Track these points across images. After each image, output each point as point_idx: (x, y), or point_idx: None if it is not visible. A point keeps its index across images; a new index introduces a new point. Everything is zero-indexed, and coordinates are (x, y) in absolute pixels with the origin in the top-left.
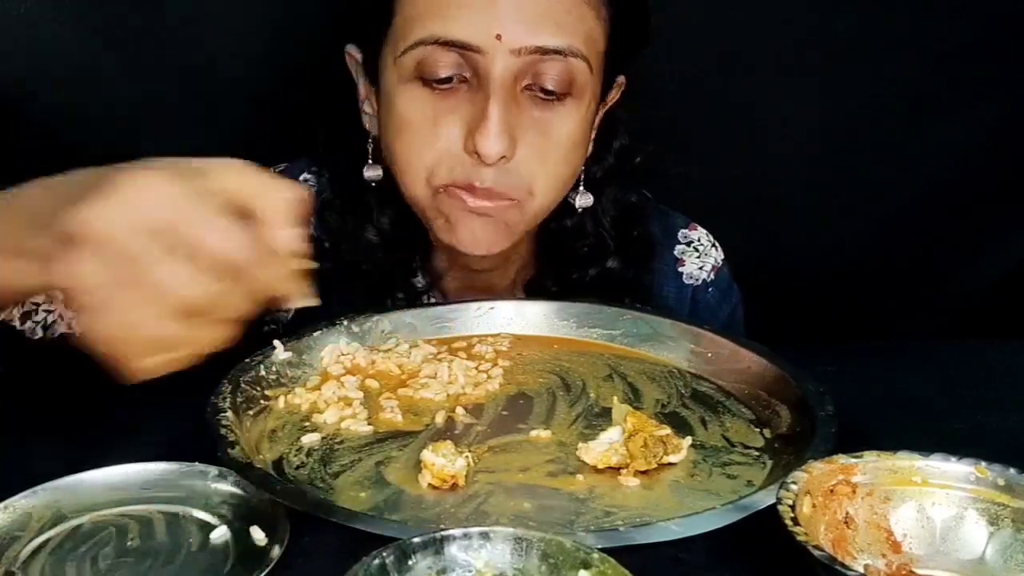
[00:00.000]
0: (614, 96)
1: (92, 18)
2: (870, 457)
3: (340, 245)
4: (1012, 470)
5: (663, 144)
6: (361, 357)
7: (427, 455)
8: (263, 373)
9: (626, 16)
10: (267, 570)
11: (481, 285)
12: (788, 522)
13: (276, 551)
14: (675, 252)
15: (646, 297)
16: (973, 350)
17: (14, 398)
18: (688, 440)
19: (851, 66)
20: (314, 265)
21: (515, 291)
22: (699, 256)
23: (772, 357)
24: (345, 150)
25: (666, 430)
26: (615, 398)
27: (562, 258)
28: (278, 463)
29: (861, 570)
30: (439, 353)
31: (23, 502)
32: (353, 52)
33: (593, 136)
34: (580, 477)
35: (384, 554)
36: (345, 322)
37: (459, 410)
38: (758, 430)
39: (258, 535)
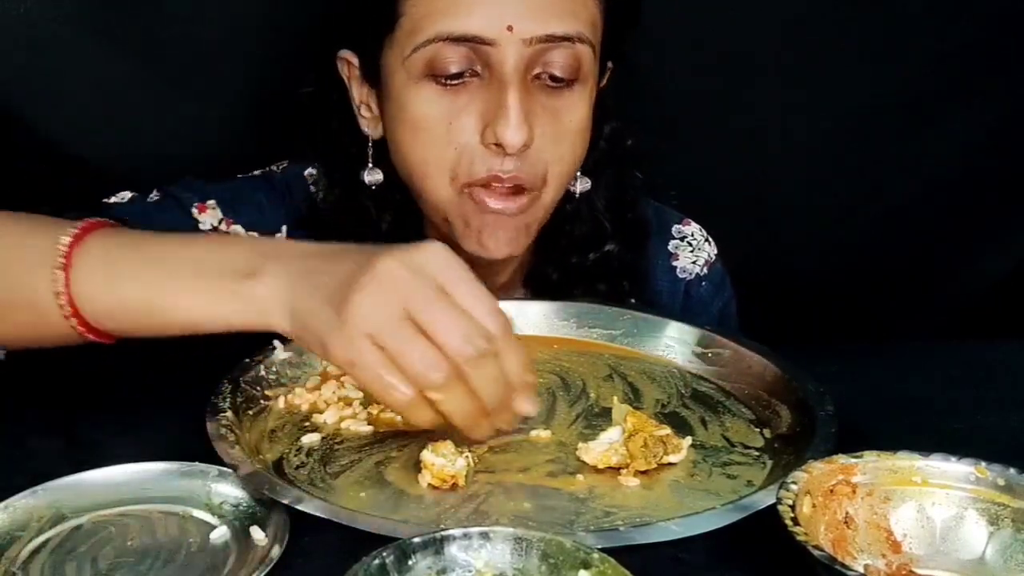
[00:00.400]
0: (604, 81)
1: (92, 18)
2: (870, 457)
3: None
4: (1012, 470)
5: (663, 144)
6: None
7: (427, 455)
8: (263, 373)
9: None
10: (267, 570)
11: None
12: (788, 522)
13: (276, 551)
14: (669, 247)
15: (643, 282)
16: (973, 350)
17: (14, 397)
18: (688, 440)
19: (851, 66)
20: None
21: (515, 287)
22: (692, 251)
23: (772, 357)
24: (343, 154)
25: (666, 430)
26: (615, 398)
27: (561, 244)
28: (278, 463)
29: (861, 570)
30: None
31: (23, 502)
32: (348, 57)
33: None
34: (580, 477)
35: (384, 554)
36: None
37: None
38: (758, 430)
39: (258, 535)
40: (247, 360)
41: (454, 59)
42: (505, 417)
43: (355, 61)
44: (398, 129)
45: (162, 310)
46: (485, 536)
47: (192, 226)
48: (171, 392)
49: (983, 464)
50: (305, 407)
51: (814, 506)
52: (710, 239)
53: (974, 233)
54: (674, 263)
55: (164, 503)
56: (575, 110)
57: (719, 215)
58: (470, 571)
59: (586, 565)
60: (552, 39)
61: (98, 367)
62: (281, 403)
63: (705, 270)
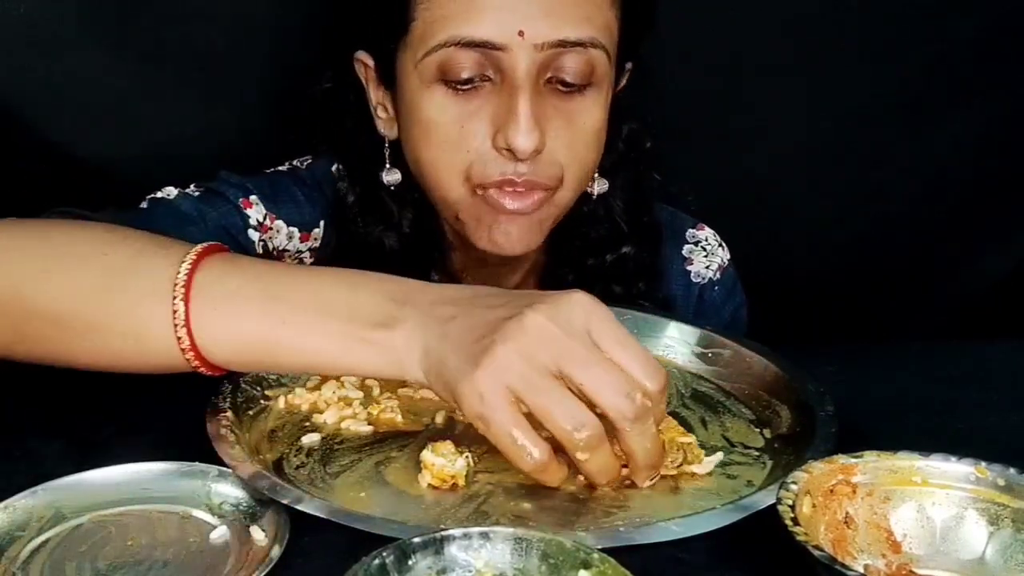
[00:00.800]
0: (623, 82)
1: (92, 18)
2: (870, 457)
3: (365, 251)
4: (1012, 470)
5: (664, 144)
6: None
7: (427, 455)
8: (263, 373)
9: (638, 1)
10: (267, 570)
11: (496, 283)
12: (788, 522)
13: (276, 551)
14: (683, 251)
15: (659, 283)
16: (973, 350)
17: (15, 397)
18: (717, 457)
19: (851, 66)
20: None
21: (530, 288)
22: (706, 255)
23: (772, 357)
24: (360, 155)
25: (690, 439)
26: None
27: (577, 246)
28: (278, 463)
29: (861, 570)
30: None
31: (23, 502)
32: (364, 58)
33: None
34: (580, 477)
35: (384, 554)
36: None
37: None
38: (758, 430)
39: (258, 535)
40: None
41: (466, 64)
42: (648, 474)
43: (371, 63)
44: (411, 131)
45: (289, 351)
46: (485, 536)
47: (243, 221)
48: (171, 392)
49: (983, 464)
50: (305, 407)
51: (814, 506)
52: (723, 244)
53: (974, 233)
54: (688, 267)
55: (164, 503)
56: (589, 114)
57: (720, 215)
58: (470, 571)
59: (586, 565)
60: (564, 44)
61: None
62: (281, 403)
63: (718, 275)
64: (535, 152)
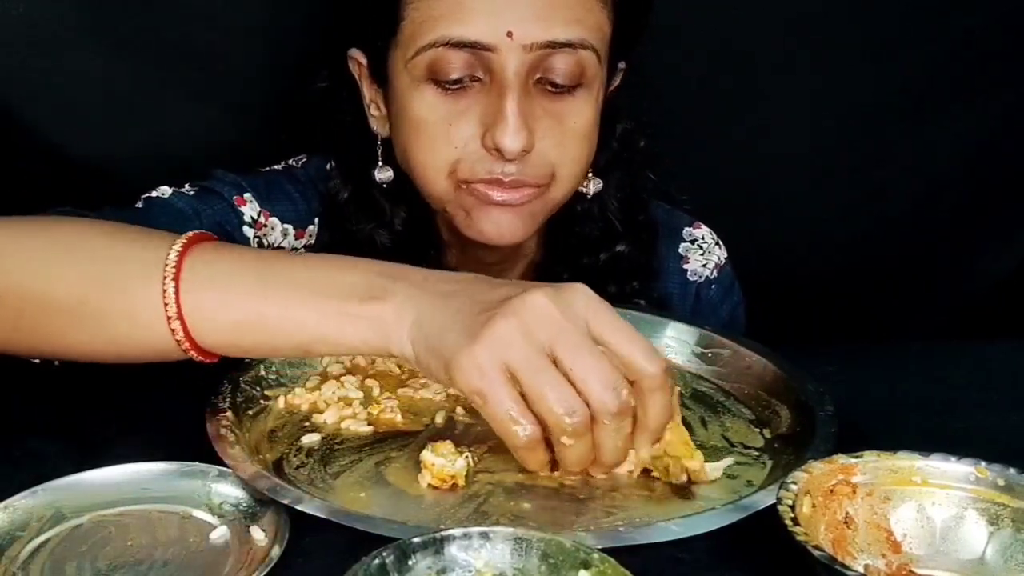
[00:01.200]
0: (616, 82)
1: (92, 18)
2: (870, 457)
3: (353, 248)
4: (1012, 470)
5: (664, 144)
6: (361, 357)
7: (427, 455)
8: (263, 373)
9: (631, 2)
10: (267, 570)
11: None
12: (788, 522)
13: (276, 551)
14: (680, 250)
15: (654, 281)
16: (973, 350)
17: (15, 397)
18: (721, 466)
19: (851, 66)
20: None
21: None
22: (703, 254)
23: (772, 357)
24: (354, 153)
25: (698, 460)
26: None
27: (572, 244)
28: (278, 463)
29: (861, 570)
30: None
31: (23, 502)
32: (357, 56)
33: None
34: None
35: (384, 554)
36: None
37: (459, 410)
38: (758, 430)
39: (258, 535)
40: (247, 360)
41: (455, 64)
42: (605, 471)
43: (364, 61)
44: (401, 129)
45: (278, 328)
46: (485, 536)
47: (238, 218)
48: (171, 392)
49: (983, 464)
50: (305, 407)
51: (814, 506)
52: (720, 242)
53: (975, 232)
54: (684, 266)
55: (164, 503)
56: (579, 114)
57: (720, 214)
58: (470, 571)
59: (586, 565)
60: (553, 45)
61: (98, 367)
62: (281, 403)
63: (715, 273)
64: (523, 152)
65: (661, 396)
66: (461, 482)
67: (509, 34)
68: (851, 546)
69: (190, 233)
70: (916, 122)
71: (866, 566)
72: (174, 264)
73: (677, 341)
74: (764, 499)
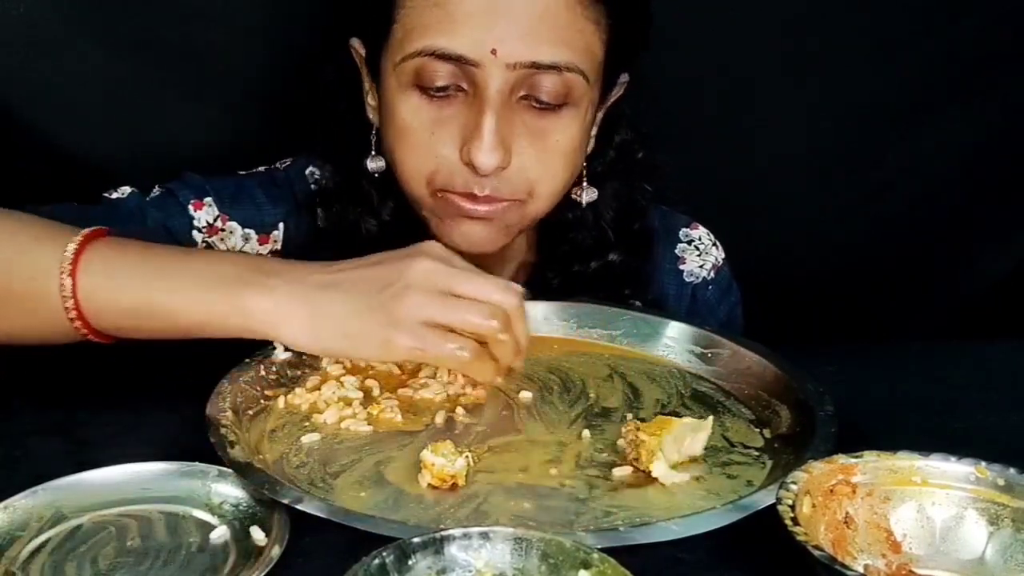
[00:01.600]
0: (617, 93)
1: (92, 18)
2: (870, 457)
3: (342, 236)
4: (1012, 470)
5: (663, 144)
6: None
7: (427, 455)
8: (263, 373)
9: (627, 23)
10: (267, 570)
11: None
12: (788, 522)
13: (276, 551)
14: (676, 250)
15: (646, 288)
16: (973, 350)
17: (14, 397)
18: (681, 478)
19: (851, 66)
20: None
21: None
22: (700, 254)
23: (772, 357)
24: (347, 140)
25: (661, 466)
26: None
27: (563, 251)
28: (278, 463)
29: (861, 570)
30: None
31: (23, 502)
32: (357, 45)
33: (595, 133)
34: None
35: (384, 554)
36: None
37: (459, 410)
38: (758, 430)
39: (258, 535)
40: (247, 360)
41: (441, 73)
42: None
43: (363, 51)
44: (387, 128)
45: (163, 312)
46: (485, 536)
47: (187, 222)
48: (171, 392)
49: (983, 464)
50: (305, 407)
51: (814, 506)
52: (718, 243)
53: (974, 233)
54: (681, 267)
55: (164, 503)
56: (564, 131)
57: (719, 215)
58: (470, 571)
59: (586, 565)
60: (538, 66)
61: (98, 367)
62: (281, 403)
63: (712, 274)
64: (498, 169)
65: (522, 319)
66: (461, 482)
67: (493, 51)
68: (851, 546)
69: (88, 230)
70: (913, 123)
71: (866, 566)
72: (71, 259)
73: (677, 341)
74: (764, 499)
